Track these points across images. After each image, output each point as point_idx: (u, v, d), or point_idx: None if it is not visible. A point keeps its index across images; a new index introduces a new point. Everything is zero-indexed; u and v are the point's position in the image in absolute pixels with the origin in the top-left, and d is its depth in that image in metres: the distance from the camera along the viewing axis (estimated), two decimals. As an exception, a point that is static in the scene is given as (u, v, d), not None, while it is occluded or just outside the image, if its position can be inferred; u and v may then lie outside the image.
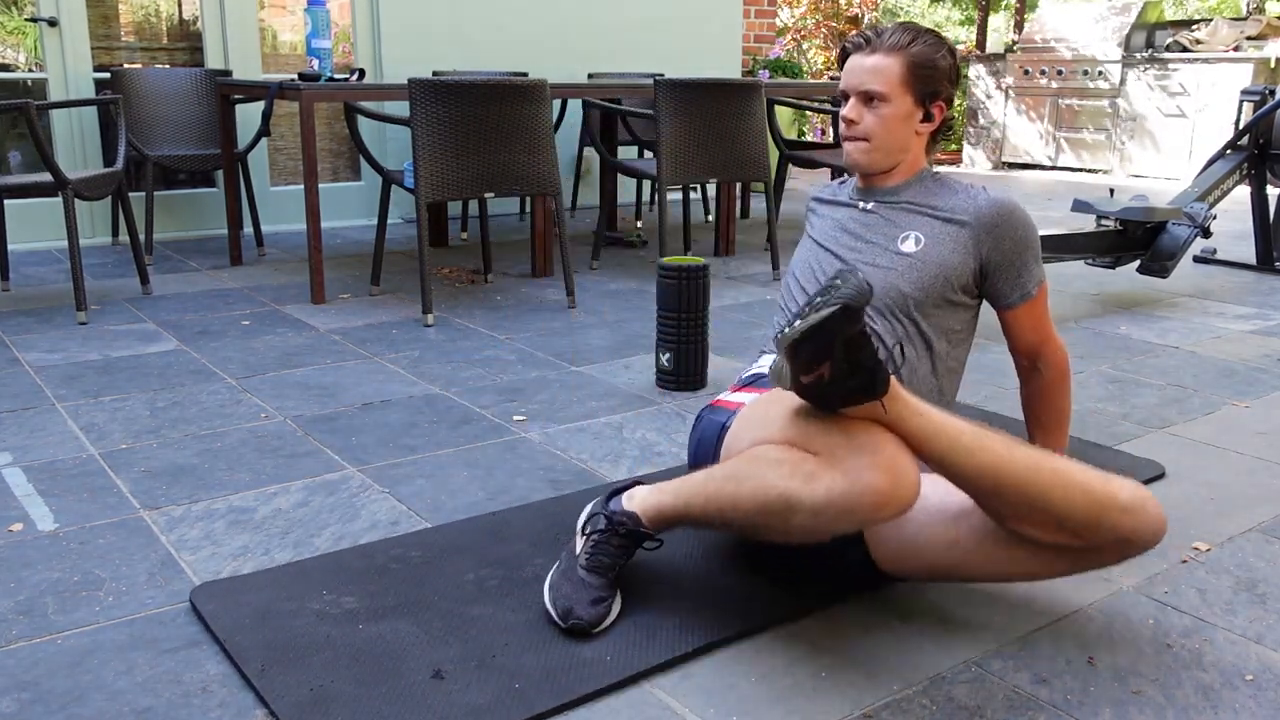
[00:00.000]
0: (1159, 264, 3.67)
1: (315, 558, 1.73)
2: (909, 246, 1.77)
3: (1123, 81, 8.27)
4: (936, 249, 1.76)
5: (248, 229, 4.62)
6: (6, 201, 3.66)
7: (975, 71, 9.39)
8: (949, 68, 1.77)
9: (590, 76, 5.52)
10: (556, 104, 5.35)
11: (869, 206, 1.85)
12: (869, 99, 1.75)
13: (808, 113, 7.75)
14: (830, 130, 6.58)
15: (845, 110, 1.78)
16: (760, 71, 6.93)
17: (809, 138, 9.01)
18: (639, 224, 5.42)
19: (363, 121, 4.57)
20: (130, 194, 3.85)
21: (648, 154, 5.39)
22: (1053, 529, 1.43)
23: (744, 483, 1.44)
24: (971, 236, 1.76)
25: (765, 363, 1.82)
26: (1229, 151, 4.21)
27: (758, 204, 6.19)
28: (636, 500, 1.59)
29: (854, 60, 1.77)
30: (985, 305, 1.90)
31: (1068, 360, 1.91)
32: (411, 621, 1.53)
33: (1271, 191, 4.48)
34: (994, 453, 1.42)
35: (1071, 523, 1.41)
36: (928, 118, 1.79)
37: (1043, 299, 1.84)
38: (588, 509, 1.66)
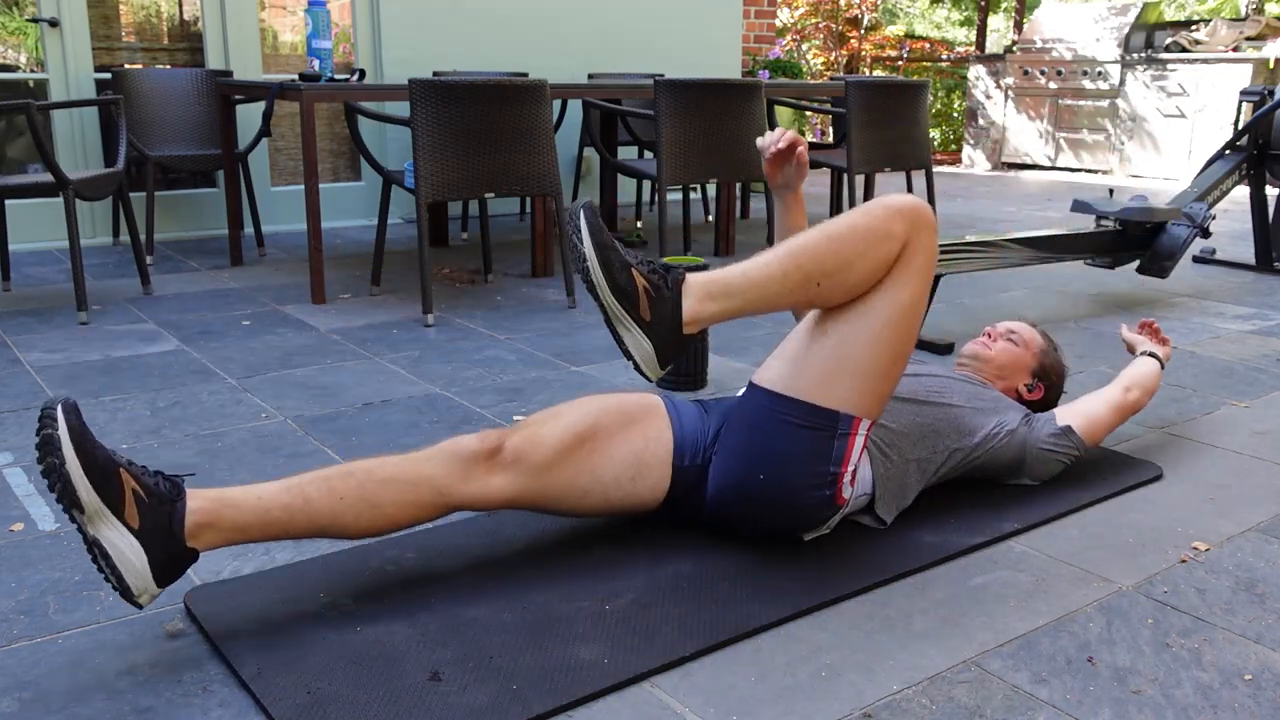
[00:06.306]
0: (1158, 264, 3.67)
1: (310, 560, 1.73)
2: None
3: (1122, 82, 8.28)
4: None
5: (248, 229, 4.63)
6: (7, 201, 3.66)
7: (975, 72, 9.39)
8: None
9: (590, 77, 5.53)
10: (557, 104, 5.35)
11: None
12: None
13: (807, 113, 7.75)
14: (830, 130, 6.59)
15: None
16: (760, 71, 6.93)
17: (809, 138, 9.01)
18: (639, 224, 5.42)
19: (363, 121, 4.58)
20: (131, 194, 3.86)
21: (648, 154, 5.39)
22: (866, 273, 1.63)
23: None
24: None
25: None
26: (1228, 152, 4.21)
27: (758, 204, 6.20)
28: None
29: None
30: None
31: None
32: (408, 624, 1.53)
33: (1270, 192, 4.49)
34: (790, 267, 1.62)
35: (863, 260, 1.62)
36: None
37: None
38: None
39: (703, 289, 1.61)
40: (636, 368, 1.61)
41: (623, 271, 1.60)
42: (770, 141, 1.90)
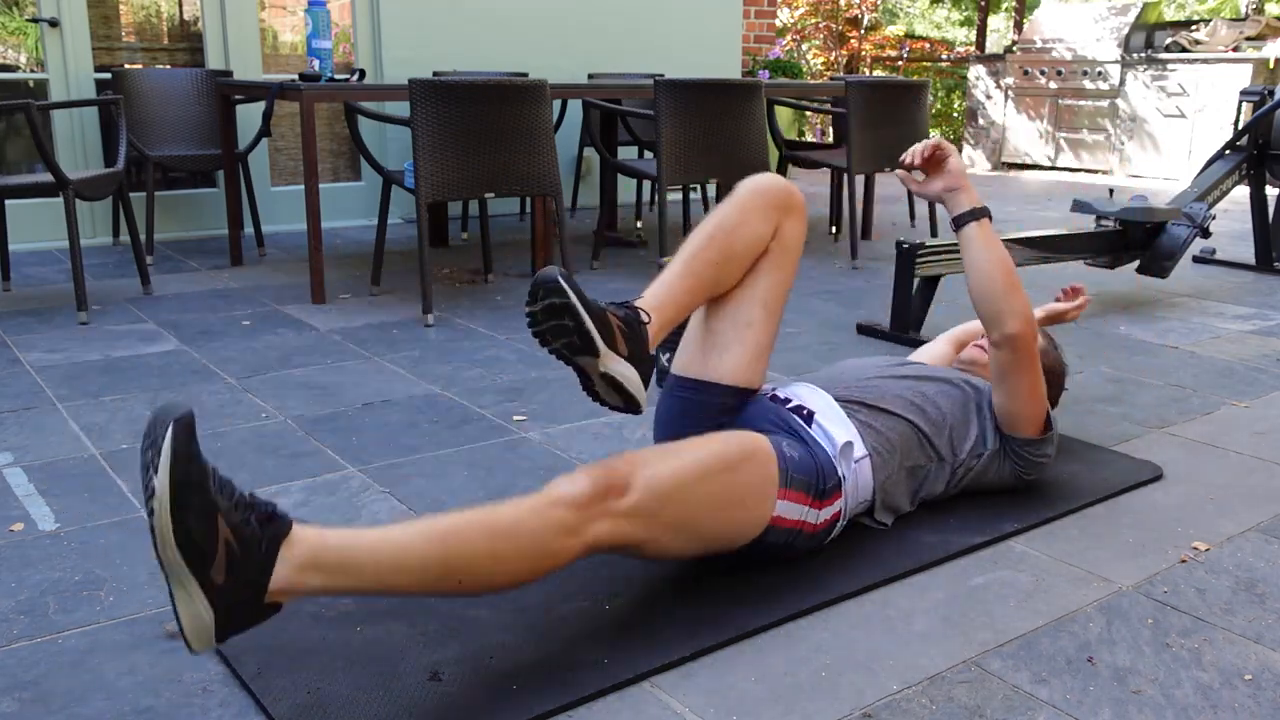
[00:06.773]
0: (1158, 264, 3.67)
1: (315, 558, 1.73)
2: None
3: (1122, 82, 8.28)
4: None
5: (248, 229, 4.63)
6: (7, 201, 3.66)
7: (975, 72, 9.39)
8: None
9: (590, 77, 5.52)
10: (557, 104, 5.35)
11: None
12: None
13: (807, 113, 7.75)
14: (829, 130, 6.58)
15: None
16: (760, 71, 6.93)
17: (809, 138, 9.01)
18: (639, 224, 5.42)
19: (363, 121, 4.57)
20: (131, 194, 3.86)
21: (648, 154, 5.39)
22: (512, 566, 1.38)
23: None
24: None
25: (800, 391, 1.87)
26: (1228, 152, 4.21)
27: (758, 204, 6.18)
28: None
29: None
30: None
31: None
32: (408, 624, 1.53)
33: (1270, 192, 4.48)
34: (432, 560, 1.32)
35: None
36: None
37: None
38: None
39: (310, 555, 1.24)
40: (180, 633, 1.21)
41: (202, 519, 1.18)
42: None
